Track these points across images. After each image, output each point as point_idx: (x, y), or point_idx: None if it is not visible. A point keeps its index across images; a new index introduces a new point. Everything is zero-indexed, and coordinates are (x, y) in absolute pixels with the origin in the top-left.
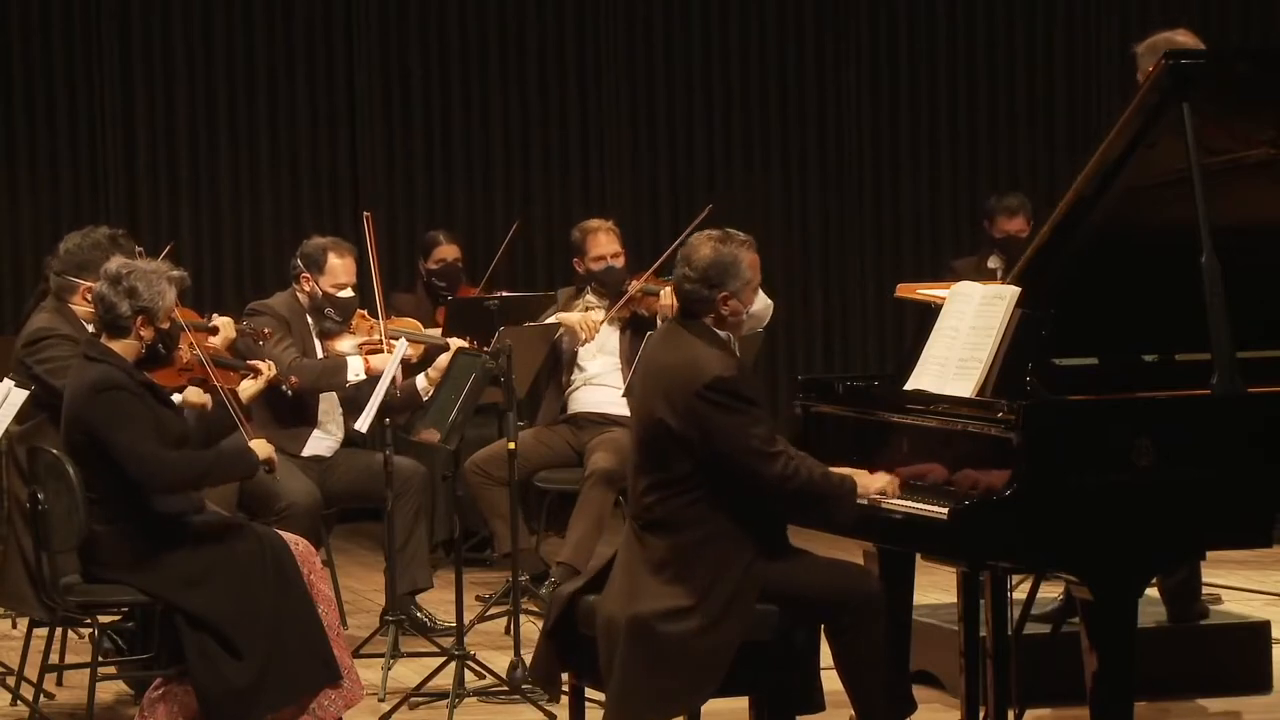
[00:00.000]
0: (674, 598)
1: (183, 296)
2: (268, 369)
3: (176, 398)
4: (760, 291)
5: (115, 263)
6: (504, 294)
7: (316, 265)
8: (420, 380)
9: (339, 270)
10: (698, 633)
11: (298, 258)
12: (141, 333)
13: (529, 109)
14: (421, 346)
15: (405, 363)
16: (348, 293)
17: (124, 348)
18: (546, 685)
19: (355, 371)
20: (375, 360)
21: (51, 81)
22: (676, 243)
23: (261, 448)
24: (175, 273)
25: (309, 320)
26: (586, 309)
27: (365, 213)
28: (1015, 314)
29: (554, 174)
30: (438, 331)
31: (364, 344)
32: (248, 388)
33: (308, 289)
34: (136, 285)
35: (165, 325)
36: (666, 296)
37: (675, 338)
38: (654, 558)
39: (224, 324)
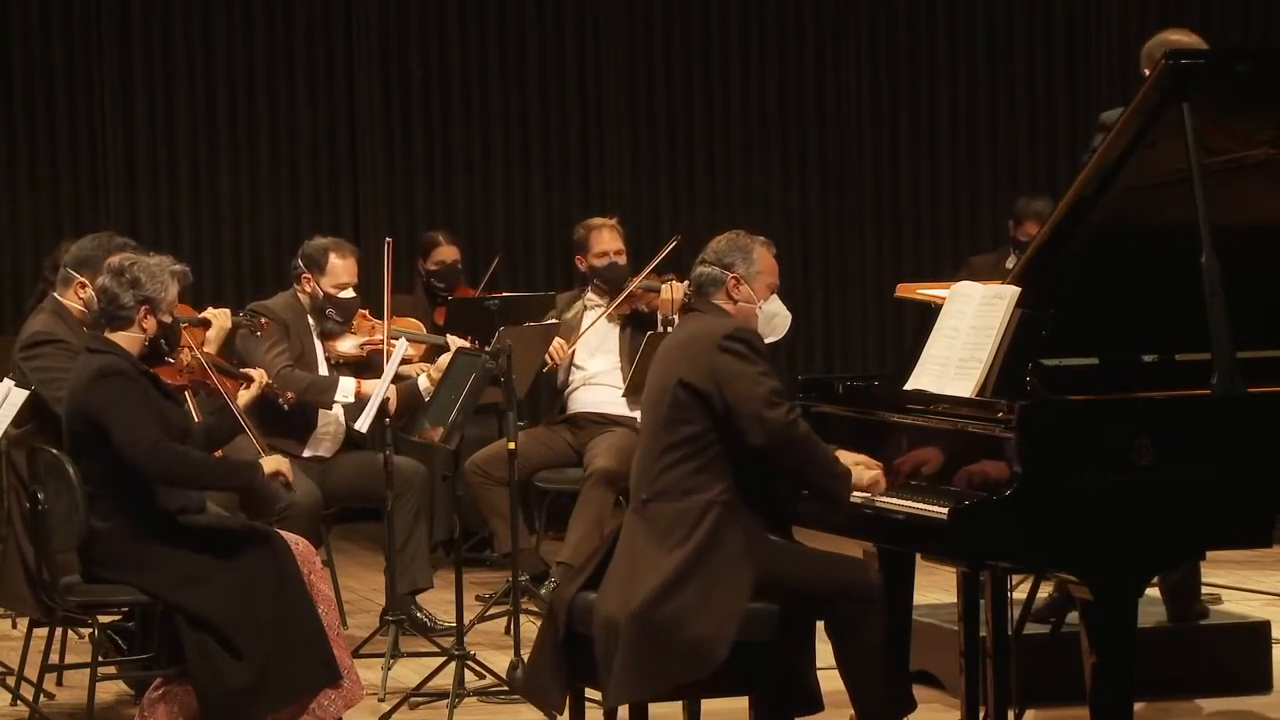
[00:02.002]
0: (673, 564)
1: (182, 293)
2: (260, 377)
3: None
4: (780, 303)
5: (118, 256)
6: (504, 294)
7: (318, 266)
8: (422, 381)
9: (340, 271)
10: (696, 610)
11: (299, 258)
12: (144, 324)
13: (529, 109)
14: (423, 347)
15: (405, 362)
16: (349, 293)
17: (127, 340)
18: (545, 701)
19: (345, 393)
20: (367, 385)
21: (51, 81)
22: (643, 275)
23: (273, 462)
24: (177, 267)
25: (310, 321)
26: (586, 309)
27: (388, 239)
28: (1015, 314)
29: (554, 174)
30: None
31: (365, 344)
32: (242, 395)
33: (309, 289)
34: (140, 276)
35: (168, 319)
36: (667, 292)
37: (690, 318)
38: (657, 529)
39: (219, 315)
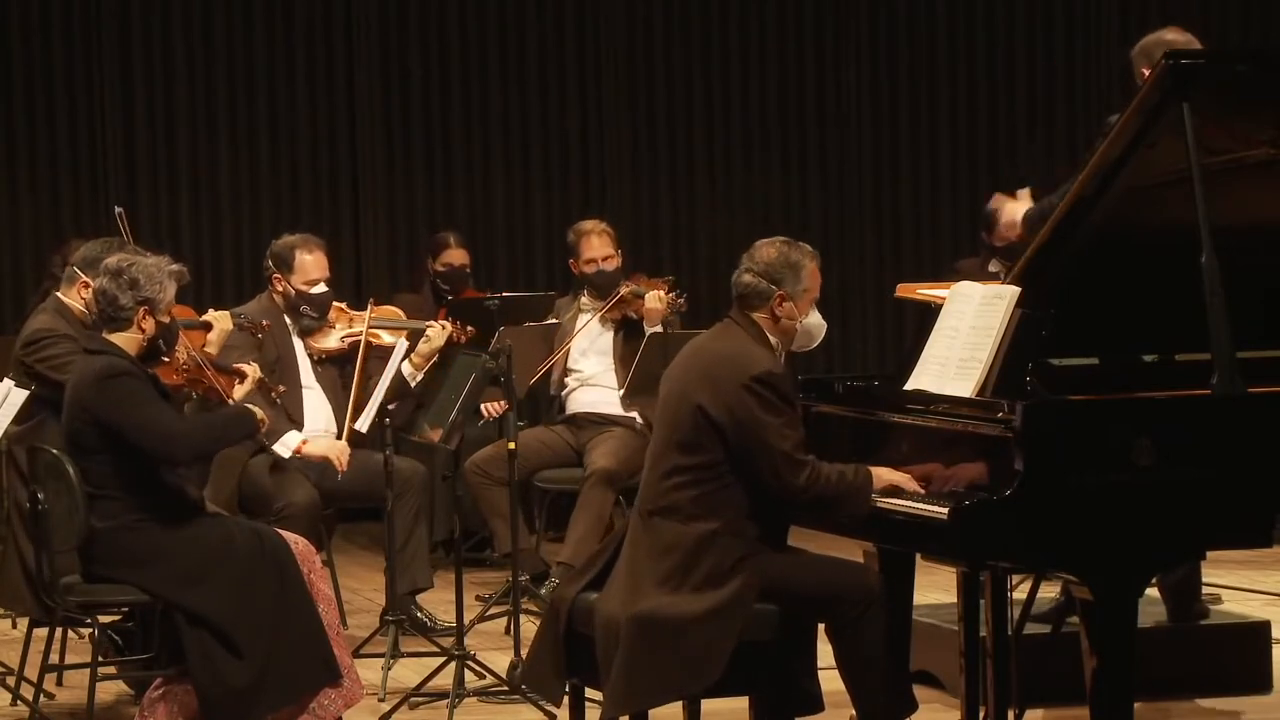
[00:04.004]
0: (675, 592)
1: (183, 294)
2: (253, 371)
3: None
4: (818, 313)
5: (115, 257)
6: (504, 294)
7: (286, 265)
8: (405, 367)
9: (310, 267)
10: (699, 621)
11: (268, 259)
12: (143, 325)
13: (529, 109)
14: (404, 333)
15: (379, 344)
16: (321, 288)
17: (125, 341)
18: (546, 692)
19: (286, 446)
20: (309, 447)
21: (51, 81)
22: (617, 295)
23: (256, 410)
24: (174, 267)
25: (287, 320)
26: (580, 311)
27: (370, 299)
28: (1015, 314)
29: (554, 174)
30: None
31: (346, 336)
32: (237, 391)
33: (281, 289)
34: (138, 277)
35: (166, 319)
36: (652, 300)
37: (727, 330)
38: (658, 545)
39: (220, 317)
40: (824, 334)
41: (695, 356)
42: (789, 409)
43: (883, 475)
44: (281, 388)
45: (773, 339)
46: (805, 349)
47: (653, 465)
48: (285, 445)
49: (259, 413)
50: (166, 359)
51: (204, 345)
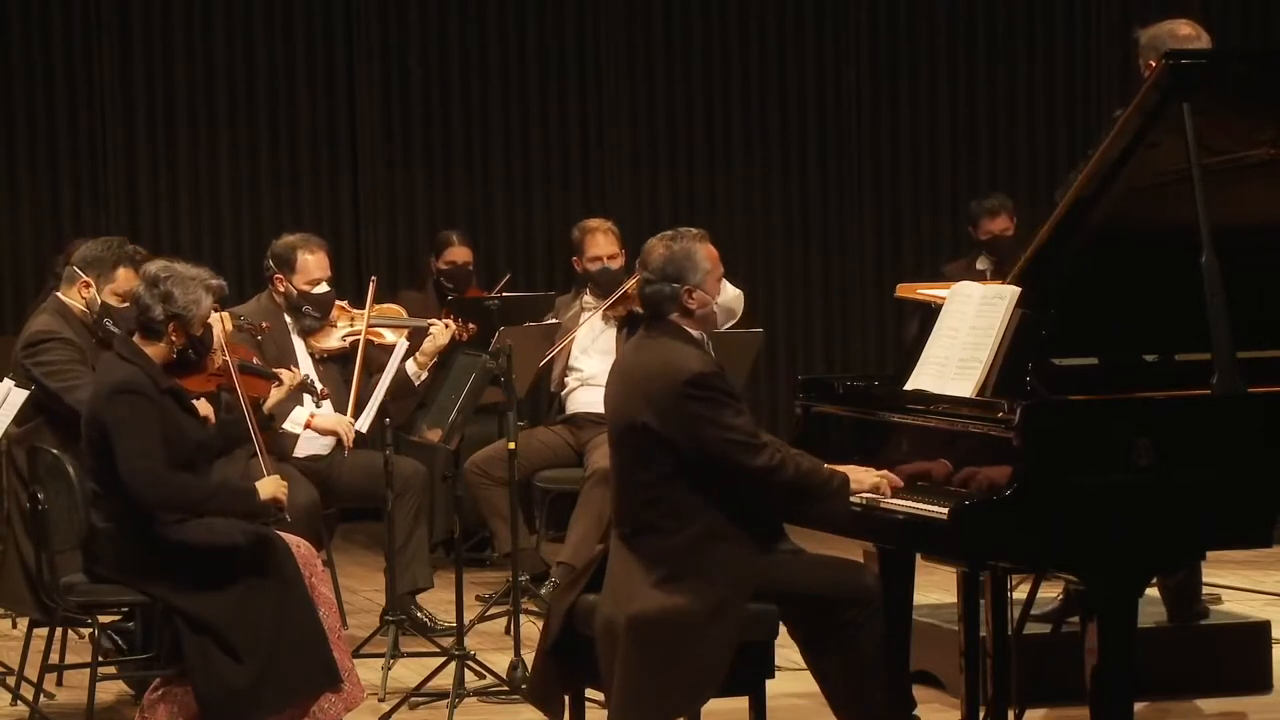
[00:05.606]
0: (669, 599)
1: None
2: (291, 376)
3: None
4: (726, 282)
5: (156, 265)
6: (504, 294)
7: (288, 265)
8: (410, 365)
9: (311, 266)
10: (696, 633)
11: (269, 259)
12: (173, 338)
13: (529, 109)
14: (405, 331)
15: (381, 343)
16: (323, 288)
17: (156, 351)
18: (546, 705)
19: (294, 423)
20: (318, 420)
21: (51, 81)
22: (623, 290)
23: (270, 486)
24: (214, 281)
25: (287, 320)
26: (583, 310)
27: (372, 276)
28: (1015, 314)
29: (554, 174)
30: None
31: (347, 335)
32: (274, 394)
33: (282, 289)
34: (173, 291)
35: (198, 332)
36: None
37: (648, 343)
38: (645, 560)
39: (219, 319)
40: (743, 303)
41: (628, 376)
42: (730, 400)
43: (862, 481)
44: (324, 389)
45: (696, 333)
46: (731, 323)
47: (619, 490)
48: (294, 422)
49: (271, 491)
50: (198, 368)
51: None
